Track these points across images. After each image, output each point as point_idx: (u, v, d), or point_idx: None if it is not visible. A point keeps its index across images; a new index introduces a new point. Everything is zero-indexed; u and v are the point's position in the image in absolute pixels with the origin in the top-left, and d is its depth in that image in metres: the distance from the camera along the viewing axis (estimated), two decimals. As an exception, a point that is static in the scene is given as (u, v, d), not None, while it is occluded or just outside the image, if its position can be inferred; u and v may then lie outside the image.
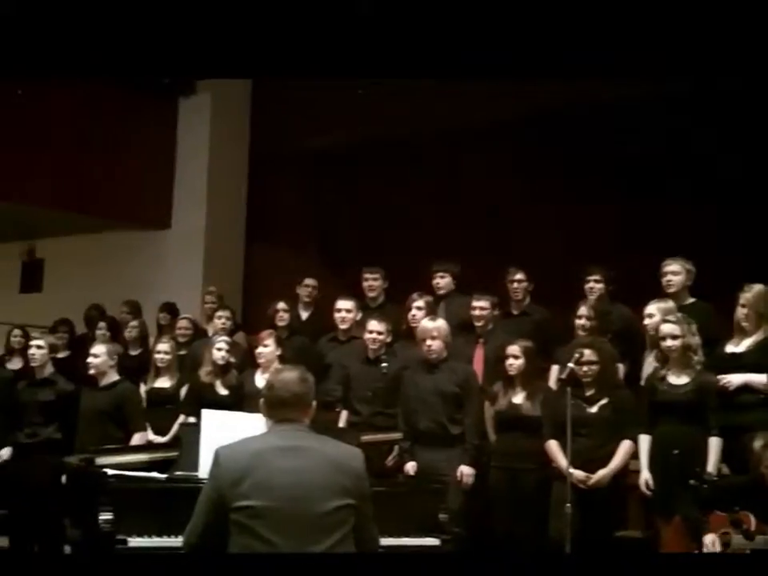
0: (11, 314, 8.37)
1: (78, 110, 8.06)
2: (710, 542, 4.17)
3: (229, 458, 2.87)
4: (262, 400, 3.03)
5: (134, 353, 6.91)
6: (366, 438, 4.84)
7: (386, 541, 3.45)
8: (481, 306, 5.90)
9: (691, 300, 5.39)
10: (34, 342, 6.06)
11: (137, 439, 5.68)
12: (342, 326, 6.22)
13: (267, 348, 5.85)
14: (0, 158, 7.62)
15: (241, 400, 5.76)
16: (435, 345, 5.38)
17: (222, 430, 4.11)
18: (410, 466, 5.30)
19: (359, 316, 6.24)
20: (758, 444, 4.25)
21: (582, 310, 5.50)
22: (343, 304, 6.22)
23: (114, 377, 5.85)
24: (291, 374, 3.02)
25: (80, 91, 7.97)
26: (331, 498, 2.83)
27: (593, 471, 4.85)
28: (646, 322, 5.23)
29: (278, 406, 2.96)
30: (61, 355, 6.74)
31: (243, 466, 2.82)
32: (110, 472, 4.09)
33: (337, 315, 6.22)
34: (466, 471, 5.24)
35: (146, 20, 3.69)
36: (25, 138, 7.86)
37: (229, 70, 4.79)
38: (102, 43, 3.74)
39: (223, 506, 2.80)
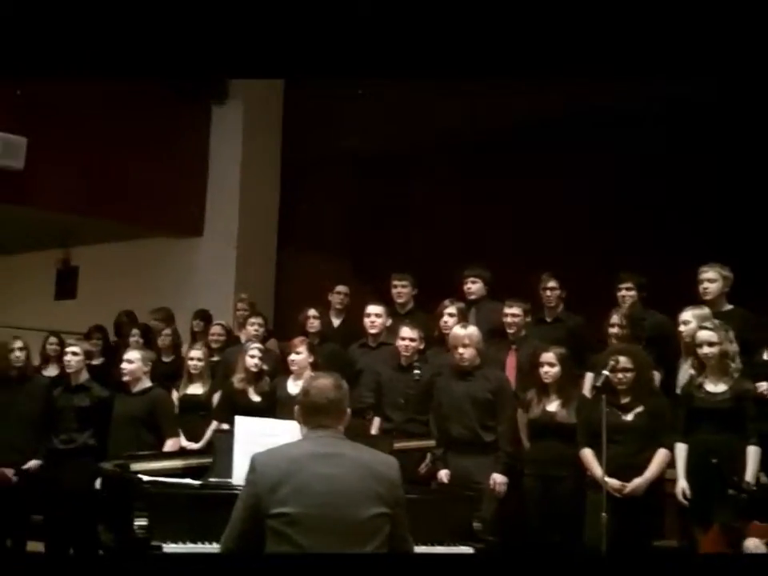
0: (46, 320, 8.46)
1: (111, 119, 8.12)
2: (753, 546, 4.09)
3: (265, 464, 2.87)
4: (297, 407, 3.03)
5: (166, 359, 6.94)
6: (398, 444, 4.83)
7: (419, 549, 3.43)
8: (513, 312, 5.87)
9: (729, 307, 5.32)
10: (69, 349, 6.10)
11: (169, 445, 5.71)
12: (372, 331, 6.21)
13: (300, 355, 5.86)
14: (34, 165, 7.71)
15: (273, 406, 5.77)
16: (467, 352, 5.36)
17: (256, 437, 4.12)
18: (443, 474, 5.28)
19: (389, 322, 6.23)
20: None
21: (615, 318, 5.45)
22: (373, 309, 6.22)
23: (146, 383, 5.88)
24: (326, 381, 3.02)
25: (114, 99, 8.04)
26: (367, 505, 2.82)
27: (628, 480, 4.80)
28: (682, 328, 5.17)
29: (313, 412, 2.96)
30: (95, 362, 6.80)
31: (280, 473, 2.82)
32: (145, 478, 4.10)
33: (366, 320, 6.22)
34: (498, 479, 5.20)
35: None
36: (59, 145, 7.95)
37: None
38: (126, 43, 3.75)
39: (260, 512, 2.80)
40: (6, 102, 7.57)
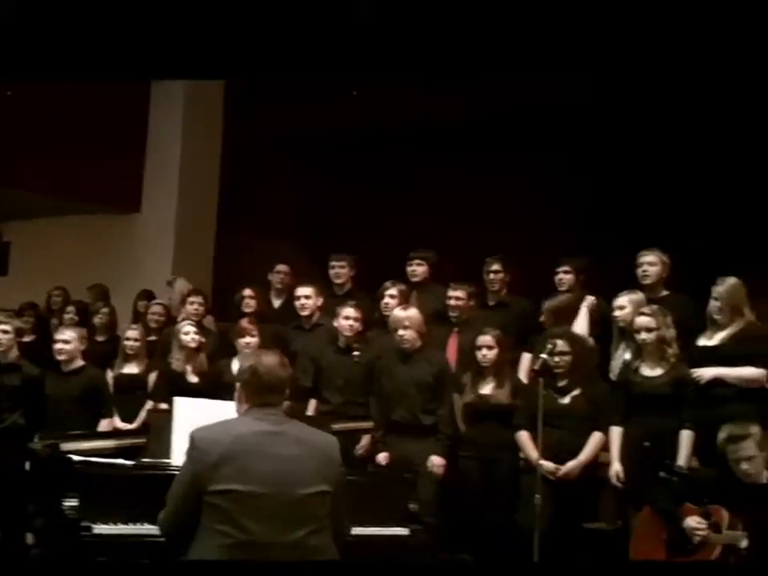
0: (-23, 297, 8.22)
1: (47, 92, 7.89)
2: (694, 523, 4.13)
3: (207, 440, 2.83)
4: (239, 384, 2.97)
5: (100, 339, 6.80)
6: (337, 426, 4.77)
7: (356, 530, 3.41)
8: (457, 295, 5.84)
9: (666, 292, 5.37)
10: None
11: (104, 425, 5.63)
12: (303, 313, 6.14)
13: (254, 338, 5.75)
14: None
15: (212, 388, 5.65)
16: (408, 334, 5.34)
17: (196, 418, 4.04)
18: (382, 457, 5.26)
19: (320, 302, 6.17)
20: (721, 436, 4.23)
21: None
22: (302, 291, 6.15)
23: (79, 362, 5.78)
24: (273, 359, 2.98)
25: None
26: (311, 484, 2.83)
27: (565, 463, 4.84)
28: (617, 313, 5.19)
29: (260, 390, 2.92)
30: (26, 339, 6.63)
31: (225, 449, 2.78)
32: (76, 458, 4.00)
33: (296, 302, 6.15)
34: (436, 461, 5.20)
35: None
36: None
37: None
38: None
39: (201, 488, 2.76)
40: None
